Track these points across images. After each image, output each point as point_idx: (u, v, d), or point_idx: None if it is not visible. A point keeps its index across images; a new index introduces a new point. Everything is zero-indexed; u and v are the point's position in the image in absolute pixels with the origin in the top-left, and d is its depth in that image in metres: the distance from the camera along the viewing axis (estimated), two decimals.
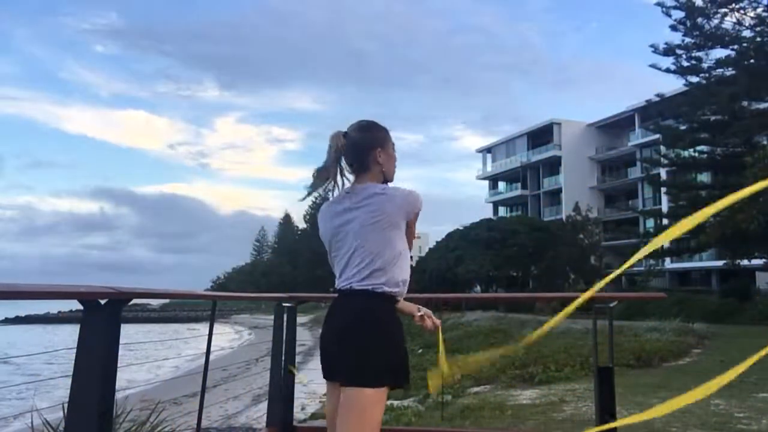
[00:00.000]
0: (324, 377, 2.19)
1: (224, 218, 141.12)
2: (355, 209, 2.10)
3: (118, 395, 2.39)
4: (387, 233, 2.08)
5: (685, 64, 27.15)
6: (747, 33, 25.45)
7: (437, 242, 45.72)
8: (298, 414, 7.08)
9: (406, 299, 2.29)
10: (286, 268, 67.39)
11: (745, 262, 24.26)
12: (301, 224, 72.59)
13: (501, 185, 60.14)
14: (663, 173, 34.10)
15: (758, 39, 24.55)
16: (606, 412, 2.95)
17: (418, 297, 2.77)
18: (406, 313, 2.37)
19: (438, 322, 2.41)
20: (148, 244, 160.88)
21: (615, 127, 50.27)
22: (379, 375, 2.00)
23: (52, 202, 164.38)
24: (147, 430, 4.37)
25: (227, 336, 36.38)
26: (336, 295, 2.19)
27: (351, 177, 2.20)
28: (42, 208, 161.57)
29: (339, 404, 2.03)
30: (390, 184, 2.23)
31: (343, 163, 2.19)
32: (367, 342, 2.02)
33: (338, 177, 2.18)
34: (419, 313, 2.36)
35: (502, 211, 57.36)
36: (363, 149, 2.17)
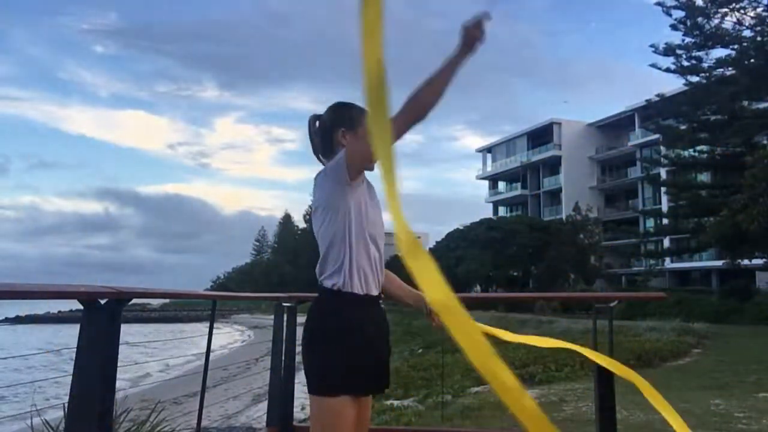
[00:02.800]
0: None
1: (227, 218, 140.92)
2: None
3: (118, 395, 2.39)
4: (324, 218, 1.89)
5: (685, 63, 27.18)
6: (747, 33, 25.49)
7: (437, 242, 45.75)
8: (298, 414, 7.09)
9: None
10: (286, 268, 67.40)
11: (746, 262, 24.27)
12: (302, 224, 72.69)
13: (501, 185, 60.14)
14: (663, 173, 34.11)
15: (758, 39, 24.56)
16: (606, 411, 2.96)
17: None
18: (416, 308, 2.13)
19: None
20: (151, 244, 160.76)
21: (615, 127, 50.26)
22: (317, 380, 1.86)
23: (56, 203, 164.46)
24: (147, 430, 4.37)
25: (227, 336, 36.38)
26: None
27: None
28: (46, 209, 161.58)
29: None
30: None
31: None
32: (310, 346, 1.89)
33: (322, 161, 2.06)
34: (426, 311, 2.08)
35: (502, 211, 57.35)
36: (327, 129, 2.01)
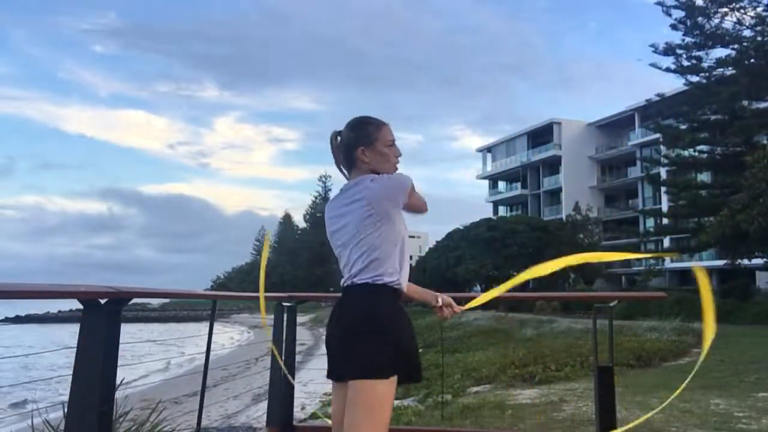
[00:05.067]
0: (328, 377, 2.18)
1: (230, 218, 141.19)
2: (349, 204, 2.11)
3: (118, 395, 2.39)
4: (380, 226, 2.07)
5: (686, 63, 27.18)
6: (747, 32, 25.49)
7: (437, 242, 45.71)
8: (298, 414, 7.08)
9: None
10: (286, 268, 67.38)
11: (746, 262, 24.27)
12: (302, 224, 72.70)
13: (501, 185, 60.13)
14: (663, 173, 34.11)
15: (758, 38, 24.56)
16: (606, 411, 2.96)
17: None
18: (423, 300, 2.37)
19: (458, 309, 2.36)
20: (153, 244, 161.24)
21: (615, 126, 50.26)
22: (381, 365, 1.97)
23: (60, 203, 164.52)
24: (147, 430, 4.37)
25: (227, 335, 36.38)
26: (340, 294, 2.19)
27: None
28: (50, 209, 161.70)
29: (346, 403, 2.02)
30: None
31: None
32: (368, 333, 2.01)
33: (344, 174, 2.25)
34: (438, 304, 2.32)
35: (502, 211, 57.34)
36: (347, 148, 2.19)
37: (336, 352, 2.11)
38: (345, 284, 2.13)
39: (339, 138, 2.24)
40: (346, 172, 2.23)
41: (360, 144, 2.16)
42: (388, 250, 2.07)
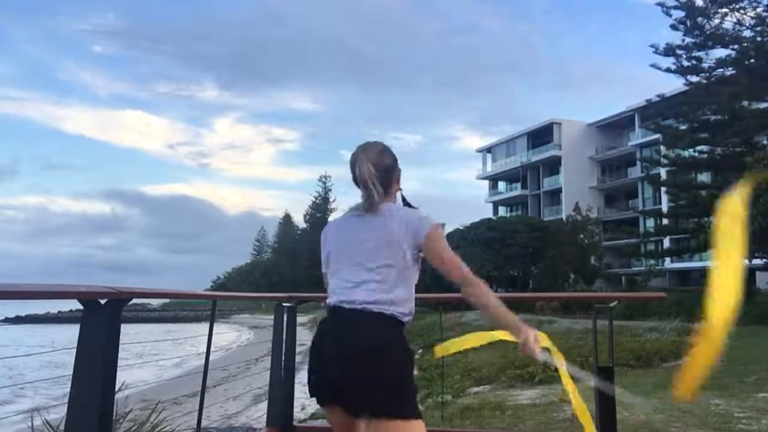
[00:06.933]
0: (322, 402, 2.02)
1: (232, 219, 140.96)
2: (377, 229, 2.04)
3: (118, 395, 2.39)
4: (414, 264, 2.08)
5: (686, 63, 27.19)
6: (747, 33, 25.51)
7: None
8: (298, 414, 7.08)
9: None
10: (286, 268, 67.40)
11: (746, 261, 24.26)
12: (302, 224, 72.67)
13: (501, 185, 60.13)
14: (663, 173, 34.10)
15: (758, 39, 24.58)
16: (606, 411, 2.96)
17: (418, 297, 2.73)
18: (507, 330, 1.97)
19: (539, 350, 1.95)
20: (155, 244, 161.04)
21: (615, 127, 50.26)
22: (414, 404, 1.96)
23: (64, 204, 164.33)
24: (147, 430, 4.37)
25: (227, 336, 36.38)
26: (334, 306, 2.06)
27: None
28: (54, 210, 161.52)
29: None
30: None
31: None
32: (402, 370, 1.95)
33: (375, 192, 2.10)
34: (530, 343, 1.91)
35: (502, 211, 57.33)
36: (387, 169, 2.15)
37: (344, 383, 1.89)
38: (353, 307, 1.97)
39: (365, 160, 2.07)
40: (377, 191, 2.05)
41: (397, 168, 2.20)
42: (409, 289, 2.06)
